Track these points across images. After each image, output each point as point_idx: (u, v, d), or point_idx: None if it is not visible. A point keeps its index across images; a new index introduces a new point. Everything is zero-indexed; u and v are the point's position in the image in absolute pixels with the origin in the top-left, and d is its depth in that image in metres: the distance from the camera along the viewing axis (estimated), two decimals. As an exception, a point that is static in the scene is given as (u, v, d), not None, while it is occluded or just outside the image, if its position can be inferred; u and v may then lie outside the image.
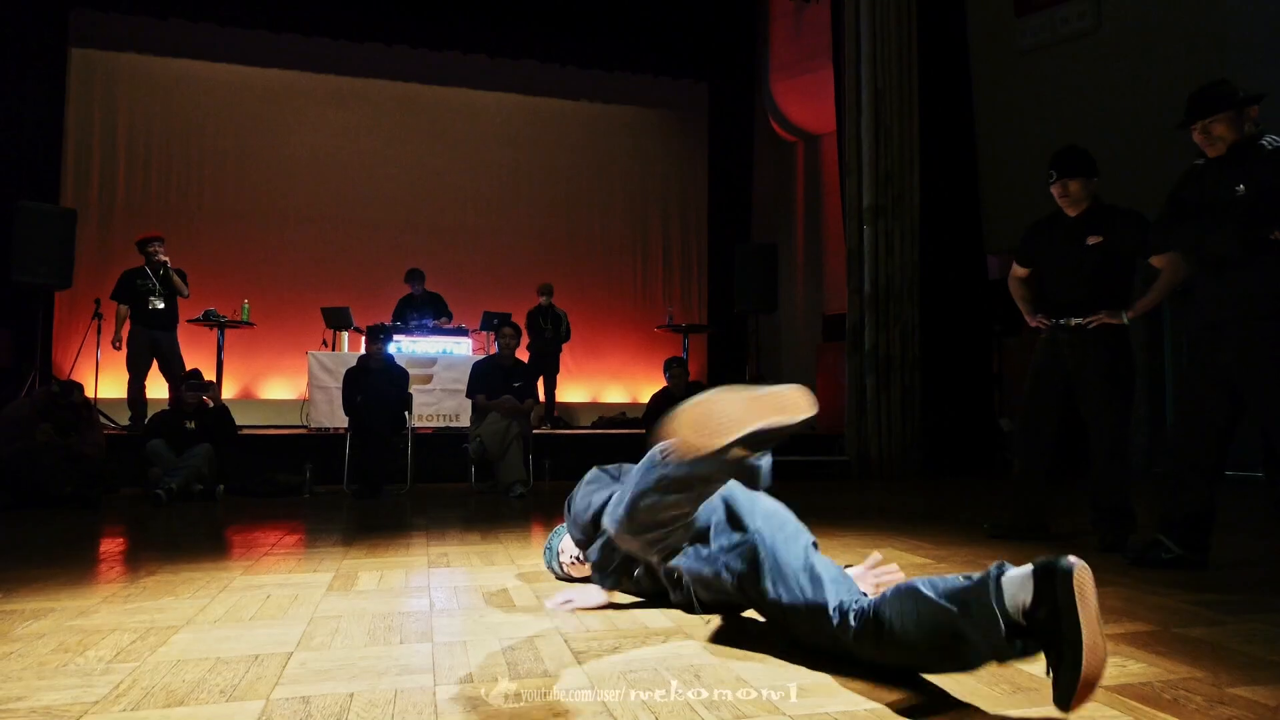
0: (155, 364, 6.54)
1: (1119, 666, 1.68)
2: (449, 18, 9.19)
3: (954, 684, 1.55)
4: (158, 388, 6.61)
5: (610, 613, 2.12)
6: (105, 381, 7.10)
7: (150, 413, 5.69)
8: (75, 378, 6.01)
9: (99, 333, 6.88)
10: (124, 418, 6.62)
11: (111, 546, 3.33)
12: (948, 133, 7.04)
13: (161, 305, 6.46)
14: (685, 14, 9.71)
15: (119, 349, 6.50)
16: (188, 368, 5.77)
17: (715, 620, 2.02)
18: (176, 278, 6.50)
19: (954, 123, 7.13)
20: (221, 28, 8.71)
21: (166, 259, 6.49)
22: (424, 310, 7.65)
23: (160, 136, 8.78)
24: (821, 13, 8.38)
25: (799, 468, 6.27)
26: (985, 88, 7.30)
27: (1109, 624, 2.01)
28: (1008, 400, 6.83)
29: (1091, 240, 3.11)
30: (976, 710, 1.43)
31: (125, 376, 6.52)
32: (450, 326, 7.62)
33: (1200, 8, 5.98)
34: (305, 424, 6.90)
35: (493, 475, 5.45)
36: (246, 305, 7.27)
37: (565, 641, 1.86)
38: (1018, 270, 3.42)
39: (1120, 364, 3.11)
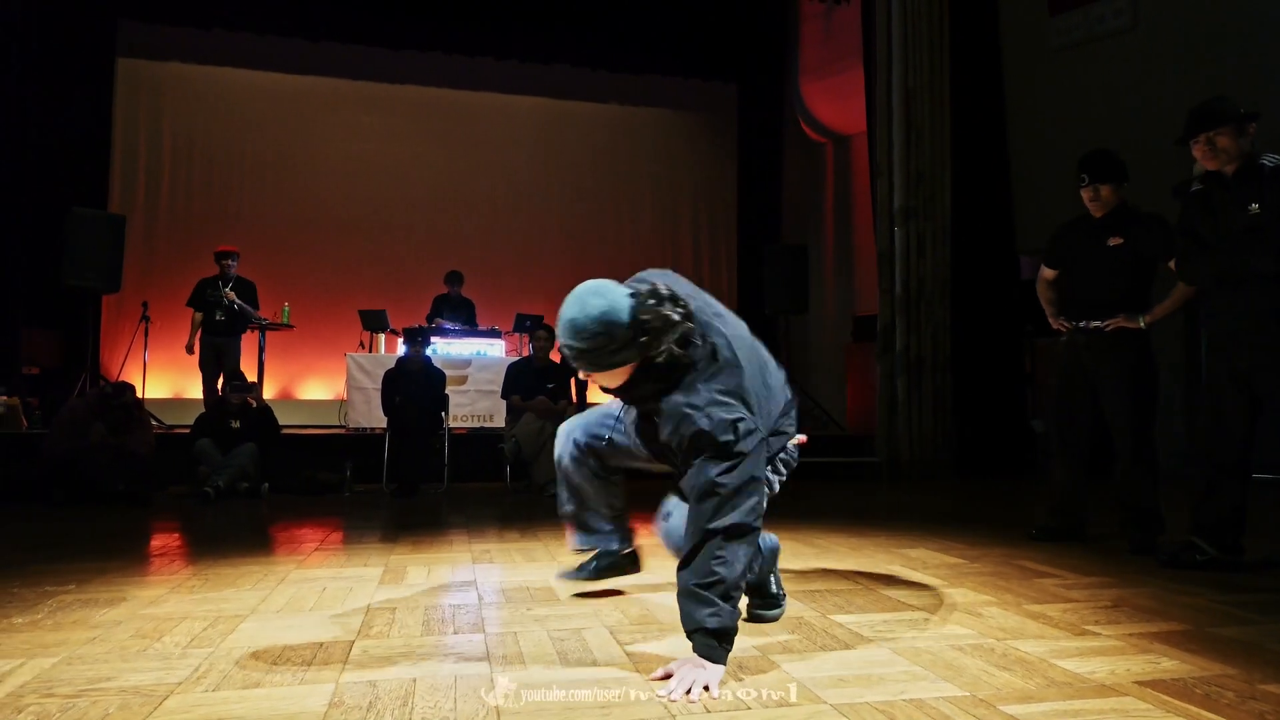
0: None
1: (1152, 664, 1.73)
2: (481, 24, 9.33)
3: (982, 676, 1.61)
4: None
5: (651, 604, 2.20)
6: (152, 382, 7.33)
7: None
8: (124, 379, 6.22)
9: (146, 335, 7.10)
10: (171, 418, 6.83)
11: (166, 541, 3.47)
12: (980, 133, 7.01)
13: (224, 317, 6.71)
14: (714, 16, 9.75)
15: (192, 354, 6.74)
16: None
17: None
18: (243, 304, 6.79)
19: (986, 123, 7.10)
20: (261, 36, 8.94)
21: (232, 284, 6.76)
22: (458, 311, 7.80)
23: (203, 143, 9.01)
24: (851, 14, 8.38)
25: (830, 469, 6.29)
26: (1018, 87, 7.26)
27: (1141, 624, 2.04)
28: (1039, 401, 6.80)
29: (1113, 242, 3.15)
30: (1005, 698, 1.49)
31: (171, 378, 6.78)
32: (483, 328, 7.76)
33: (1239, 7, 5.91)
34: (343, 424, 7.06)
35: (528, 475, 5.55)
36: (287, 308, 7.44)
37: (611, 633, 1.94)
38: (1045, 272, 3.45)
39: (1139, 366, 3.12)
